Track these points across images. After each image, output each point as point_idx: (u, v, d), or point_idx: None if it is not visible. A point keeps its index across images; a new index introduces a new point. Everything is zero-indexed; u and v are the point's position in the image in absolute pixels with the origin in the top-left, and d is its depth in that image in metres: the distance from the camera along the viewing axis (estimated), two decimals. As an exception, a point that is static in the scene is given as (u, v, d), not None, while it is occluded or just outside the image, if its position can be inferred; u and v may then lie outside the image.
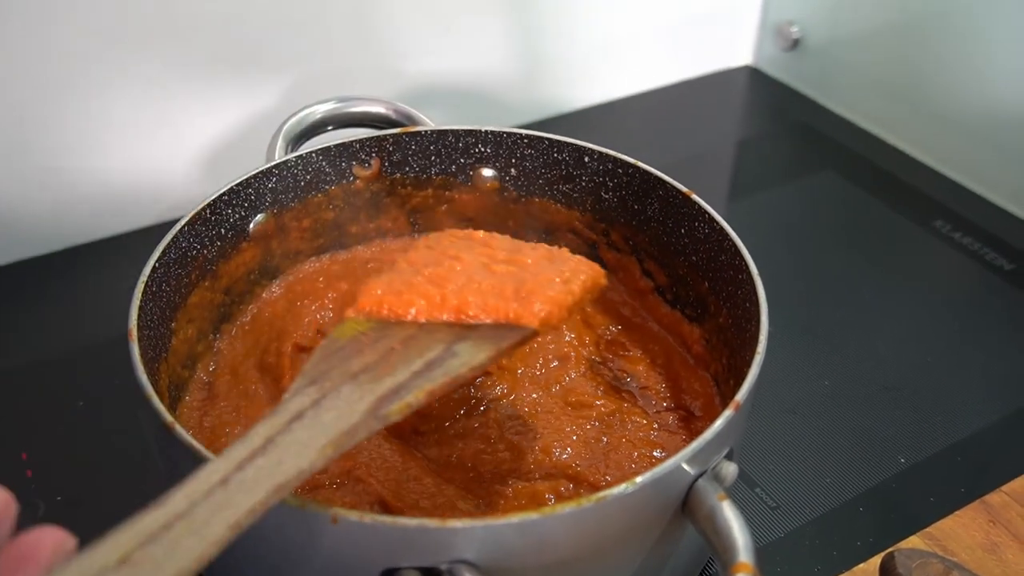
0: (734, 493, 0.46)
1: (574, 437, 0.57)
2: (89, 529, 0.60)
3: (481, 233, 0.56)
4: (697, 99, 1.14)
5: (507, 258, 0.53)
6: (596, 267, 0.53)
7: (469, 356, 0.45)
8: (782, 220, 0.93)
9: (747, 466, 0.64)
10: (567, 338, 0.63)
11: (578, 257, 0.53)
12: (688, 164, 0.99)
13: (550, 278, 0.50)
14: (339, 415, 0.40)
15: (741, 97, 1.17)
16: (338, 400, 0.41)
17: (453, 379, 0.44)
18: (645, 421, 0.58)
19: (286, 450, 0.37)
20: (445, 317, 0.48)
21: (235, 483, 0.35)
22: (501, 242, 0.55)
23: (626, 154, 0.66)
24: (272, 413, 0.40)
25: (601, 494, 0.42)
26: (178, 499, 0.34)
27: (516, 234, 0.72)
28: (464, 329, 0.48)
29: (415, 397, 0.42)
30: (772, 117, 1.13)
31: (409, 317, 0.48)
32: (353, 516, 0.40)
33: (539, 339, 0.63)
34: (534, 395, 0.59)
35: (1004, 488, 0.60)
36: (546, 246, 0.55)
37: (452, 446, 0.56)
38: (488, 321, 0.48)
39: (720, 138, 1.07)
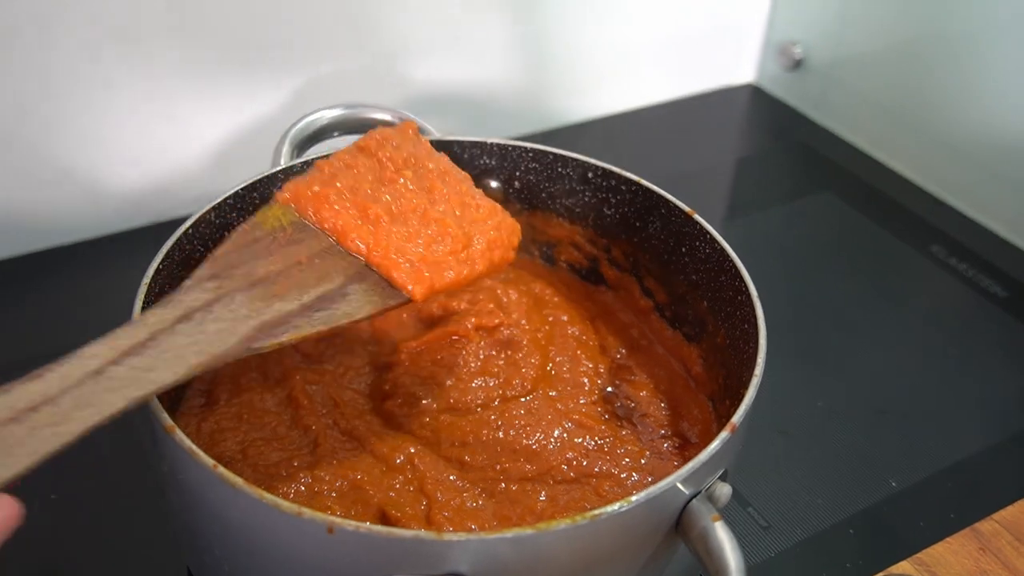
0: (726, 512, 0.47)
1: (563, 464, 0.57)
2: (83, 528, 0.60)
3: (427, 148, 0.59)
4: (698, 116, 1.15)
5: (427, 200, 0.55)
6: (509, 237, 0.57)
7: (355, 307, 0.48)
8: (779, 240, 0.93)
9: (740, 485, 0.65)
10: (582, 368, 0.63)
11: (495, 218, 0.57)
12: (687, 180, 0.99)
13: (455, 249, 0.53)
14: (220, 330, 0.42)
15: (742, 115, 1.18)
16: (227, 311, 0.43)
17: (330, 328, 0.46)
18: (637, 449, 0.58)
19: (161, 356, 0.39)
20: (357, 246, 0.50)
21: (106, 378, 0.37)
22: (437, 164, 0.58)
23: (625, 169, 0.67)
24: (166, 302, 0.42)
25: (596, 511, 0.42)
26: (52, 380, 0.36)
27: (519, 248, 0.73)
28: (364, 269, 0.50)
29: (288, 338, 0.44)
30: (772, 136, 1.13)
31: (327, 227, 0.50)
32: (349, 526, 0.41)
33: (555, 367, 0.64)
34: (541, 424, 0.59)
35: (995, 516, 0.61)
36: (465, 190, 0.58)
37: (452, 455, 0.57)
38: (383, 276, 0.50)
39: (720, 155, 1.08)
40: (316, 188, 0.51)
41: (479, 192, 0.59)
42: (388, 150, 0.56)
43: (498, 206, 0.59)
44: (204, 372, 0.41)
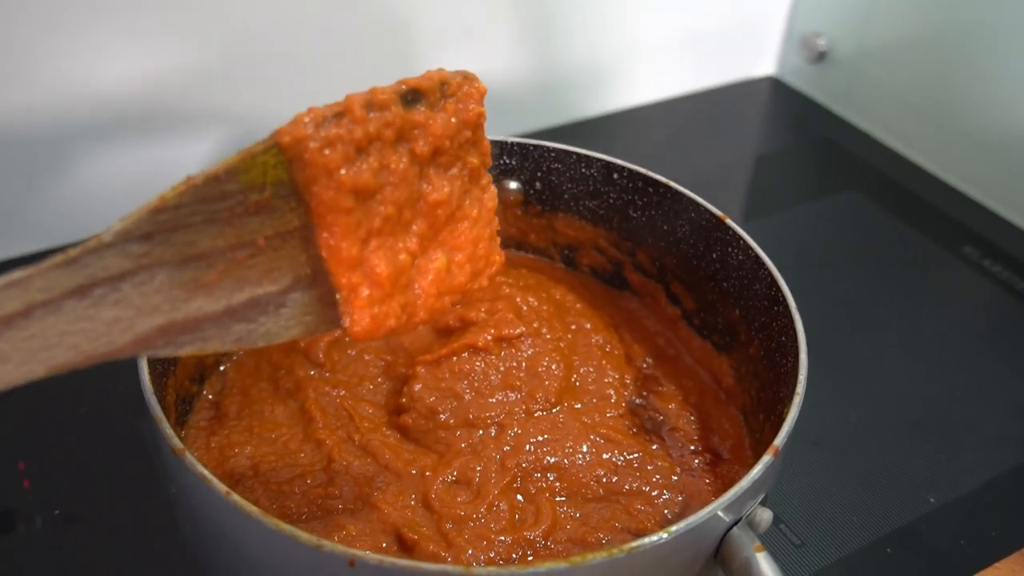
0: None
1: (592, 481, 0.54)
2: (87, 546, 0.58)
3: (481, 131, 0.46)
4: (717, 109, 1.12)
5: (446, 218, 0.45)
6: (490, 268, 0.48)
7: (282, 326, 0.40)
8: (802, 241, 0.90)
9: (771, 500, 0.62)
10: (608, 379, 0.61)
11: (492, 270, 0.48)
12: (705, 177, 0.97)
13: (438, 292, 0.45)
14: (115, 321, 0.34)
15: (762, 109, 1.15)
16: (137, 293, 0.35)
17: (239, 348, 0.39)
18: (668, 465, 0.56)
19: (22, 344, 0.32)
20: (328, 244, 0.40)
21: None
22: (482, 162, 0.47)
23: (641, 165, 0.64)
24: (69, 258, 0.33)
25: (634, 544, 0.40)
26: None
27: (538, 249, 0.71)
28: (320, 274, 0.41)
29: (188, 351, 0.37)
30: (794, 131, 1.10)
31: (311, 201, 0.39)
32: (371, 559, 0.38)
33: (580, 378, 0.61)
34: (568, 439, 0.57)
35: (1044, 539, 0.58)
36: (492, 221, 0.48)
37: (471, 473, 0.54)
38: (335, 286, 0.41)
39: (739, 151, 1.05)
40: (327, 152, 0.39)
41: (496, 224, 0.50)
42: (440, 125, 0.44)
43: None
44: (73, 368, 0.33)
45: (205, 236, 0.37)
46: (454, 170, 0.46)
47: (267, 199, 0.39)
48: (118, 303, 0.34)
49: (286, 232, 0.40)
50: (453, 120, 0.44)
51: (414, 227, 0.44)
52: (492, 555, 0.49)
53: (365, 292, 0.41)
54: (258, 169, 0.38)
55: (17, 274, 0.32)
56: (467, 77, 0.45)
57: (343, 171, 0.39)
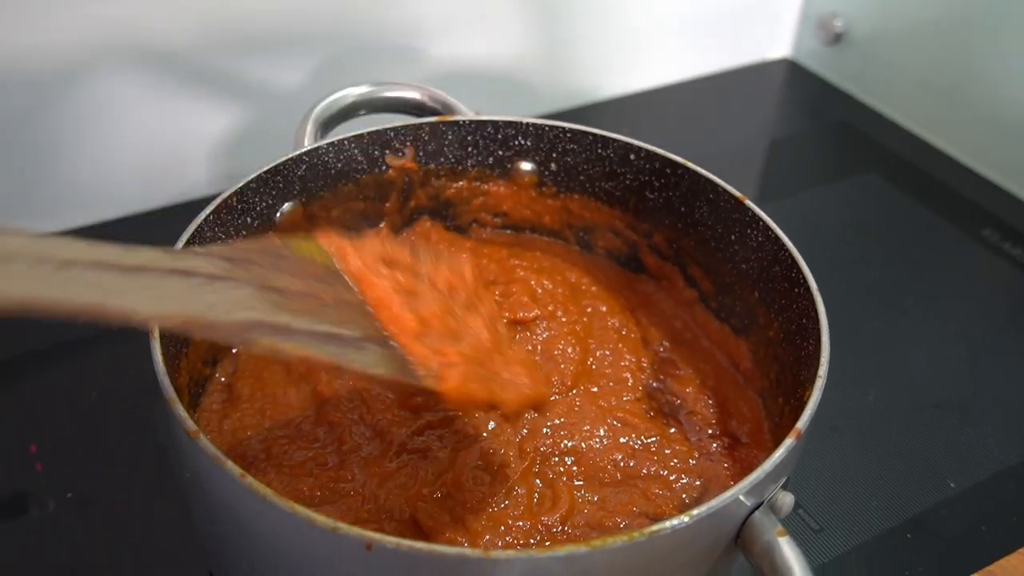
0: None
1: (610, 465, 0.54)
2: (100, 530, 0.58)
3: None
4: (731, 92, 1.11)
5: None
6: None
7: (370, 361, 0.40)
8: (819, 224, 0.89)
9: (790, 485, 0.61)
10: (624, 362, 0.60)
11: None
12: (719, 160, 0.94)
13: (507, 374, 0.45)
14: (216, 303, 0.36)
15: (778, 91, 1.13)
16: (230, 292, 0.37)
17: (336, 364, 0.39)
18: (686, 449, 0.55)
19: (141, 287, 0.34)
20: (388, 327, 0.42)
21: (69, 270, 0.32)
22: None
23: (655, 146, 0.63)
24: (167, 250, 0.36)
25: (655, 527, 0.39)
26: (17, 241, 0.32)
27: (553, 232, 0.70)
28: (386, 338, 0.42)
29: (290, 348, 0.38)
30: (810, 114, 1.09)
31: (365, 296, 0.42)
32: (389, 543, 0.38)
33: (596, 362, 0.60)
34: (585, 423, 0.56)
35: (1068, 524, 0.57)
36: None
37: (486, 456, 0.53)
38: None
39: (754, 134, 1.04)
40: (358, 263, 0.43)
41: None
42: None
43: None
44: (178, 330, 0.36)
45: (278, 279, 0.39)
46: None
47: (320, 273, 0.41)
48: (216, 292, 0.36)
49: (347, 301, 0.42)
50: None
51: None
52: (509, 540, 0.49)
53: (435, 362, 0.42)
54: (307, 249, 0.42)
55: (126, 247, 0.34)
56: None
57: (378, 284, 0.43)
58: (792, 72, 1.14)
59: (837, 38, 1.08)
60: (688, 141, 0.99)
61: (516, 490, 0.51)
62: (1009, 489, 0.62)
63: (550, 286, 0.65)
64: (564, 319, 0.62)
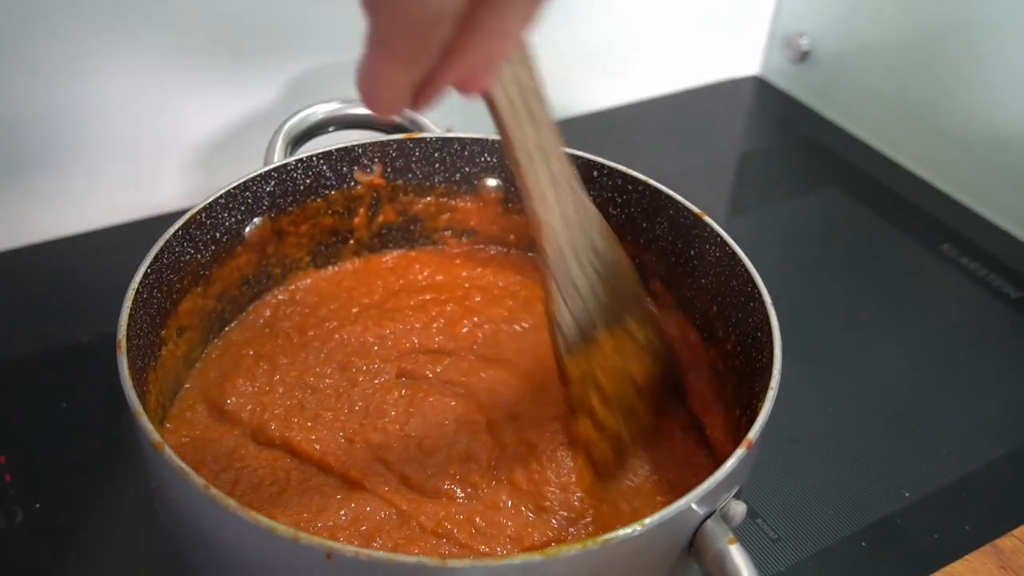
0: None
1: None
2: (69, 539, 0.58)
3: None
4: (701, 108, 1.13)
5: None
6: None
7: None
8: (784, 237, 0.91)
9: (748, 496, 0.62)
10: None
11: None
12: (689, 175, 0.97)
13: None
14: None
15: (746, 108, 1.15)
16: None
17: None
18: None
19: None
20: None
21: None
22: None
23: (626, 164, 0.64)
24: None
25: (608, 536, 0.40)
26: None
27: (519, 248, 0.71)
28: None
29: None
30: (778, 130, 1.11)
31: None
32: (348, 551, 0.38)
33: None
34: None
35: (1015, 532, 0.59)
36: None
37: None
38: None
39: (723, 149, 1.05)
40: None
41: None
42: None
43: None
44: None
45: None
46: None
47: None
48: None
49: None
50: None
51: None
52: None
53: None
54: None
55: None
56: None
57: None
58: (760, 89, 1.16)
59: (803, 56, 1.11)
60: (660, 156, 1.01)
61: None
62: (961, 498, 0.64)
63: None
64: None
